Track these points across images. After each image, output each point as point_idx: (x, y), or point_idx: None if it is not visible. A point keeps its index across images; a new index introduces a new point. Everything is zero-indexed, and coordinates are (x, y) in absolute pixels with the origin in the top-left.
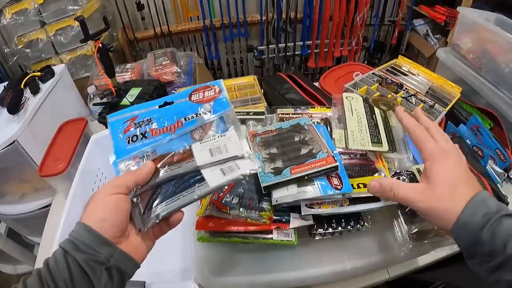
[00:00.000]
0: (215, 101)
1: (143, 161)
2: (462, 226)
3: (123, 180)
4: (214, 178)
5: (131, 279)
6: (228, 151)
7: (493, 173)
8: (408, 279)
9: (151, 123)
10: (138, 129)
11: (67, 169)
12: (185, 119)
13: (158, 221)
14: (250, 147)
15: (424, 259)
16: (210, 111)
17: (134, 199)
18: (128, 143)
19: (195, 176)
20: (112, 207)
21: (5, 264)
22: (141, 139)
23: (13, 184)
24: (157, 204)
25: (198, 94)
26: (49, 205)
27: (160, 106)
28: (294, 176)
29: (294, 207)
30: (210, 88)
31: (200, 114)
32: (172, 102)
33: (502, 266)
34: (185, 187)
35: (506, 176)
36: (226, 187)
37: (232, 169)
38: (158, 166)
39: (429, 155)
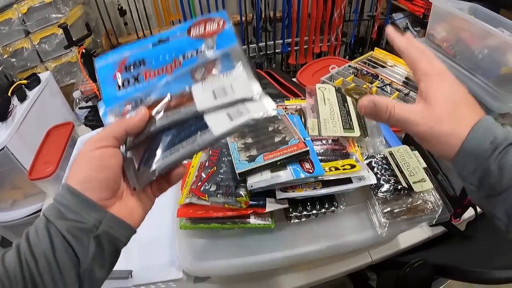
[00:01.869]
0: (219, 35)
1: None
2: (468, 153)
3: (109, 130)
4: (218, 124)
5: (116, 269)
6: (235, 92)
7: None
8: (390, 262)
9: (144, 64)
10: (129, 72)
11: (55, 172)
12: (183, 57)
13: (154, 177)
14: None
15: (405, 242)
16: (213, 47)
17: (127, 154)
18: (119, 89)
19: (197, 123)
20: (97, 164)
21: None
22: (134, 83)
23: (4, 191)
24: (153, 158)
25: (199, 28)
26: (40, 210)
27: (154, 45)
28: (267, 162)
29: (269, 192)
30: (213, 20)
31: (201, 51)
32: (167, 39)
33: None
34: (185, 136)
35: None
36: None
37: (241, 113)
38: (153, 112)
39: (424, 75)
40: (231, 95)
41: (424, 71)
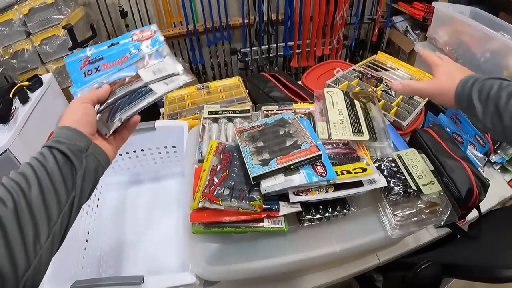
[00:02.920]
0: (151, 40)
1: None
2: (460, 95)
3: (88, 94)
4: (159, 88)
5: (130, 275)
6: (167, 70)
7: (474, 158)
8: (397, 263)
9: (102, 59)
10: (92, 65)
11: None
12: (129, 54)
13: (120, 124)
14: (183, 66)
15: (411, 244)
16: (148, 46)
17: (97, 116)
18: (85, 76)
19: (144, 90)
20: (83, 111)
21: None
22: (95, 72)
23: None
24: (117, 112)
25: (138, 35)
26: None
27: (108, 47)
28: (280, 166)
29: (282, 196)
30: (146, 31)
31: (141, 49)
32: (117, 43)
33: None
34: (137, 97)
35: (486, 160)
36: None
37: (172, 81)
38: (113, 88)
39: (435, 65)
40: (164, 72)
41: (436, 63)
